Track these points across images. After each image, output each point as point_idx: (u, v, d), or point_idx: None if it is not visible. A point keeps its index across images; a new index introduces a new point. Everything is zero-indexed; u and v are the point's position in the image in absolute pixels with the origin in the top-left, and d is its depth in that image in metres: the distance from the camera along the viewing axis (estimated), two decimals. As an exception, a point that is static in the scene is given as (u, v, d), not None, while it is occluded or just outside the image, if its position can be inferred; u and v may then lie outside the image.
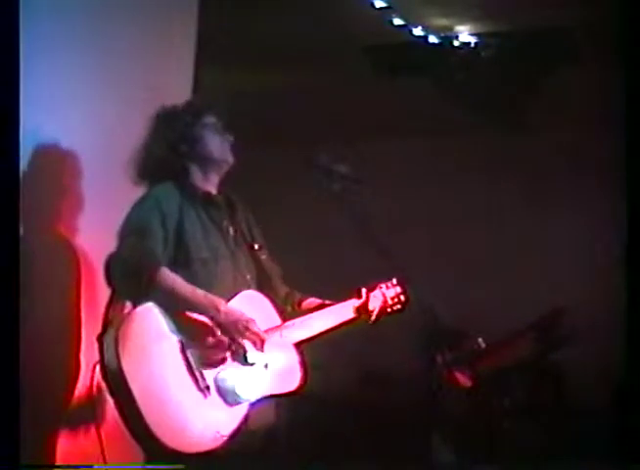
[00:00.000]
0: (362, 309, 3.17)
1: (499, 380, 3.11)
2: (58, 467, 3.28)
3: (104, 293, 3.14)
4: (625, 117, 2.94)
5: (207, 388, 2.83)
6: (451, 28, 5.46)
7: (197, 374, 2.83)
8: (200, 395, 2.81)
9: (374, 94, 5.96)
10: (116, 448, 3.14)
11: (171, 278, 2.92)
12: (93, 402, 3.09)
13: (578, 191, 6.43)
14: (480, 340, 2.94)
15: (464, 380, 3.03)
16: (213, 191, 3.21)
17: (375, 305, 3.17)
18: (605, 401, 5.45)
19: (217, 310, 2.91)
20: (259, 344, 2.93)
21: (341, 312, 3.16)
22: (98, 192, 3.53)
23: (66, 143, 3.42)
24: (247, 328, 2.92)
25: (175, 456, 2.75)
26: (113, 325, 2.85)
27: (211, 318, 2.90)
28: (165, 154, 3.14)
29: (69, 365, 3.34)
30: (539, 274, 6.28)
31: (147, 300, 2.86)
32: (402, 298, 3.19)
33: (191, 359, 2.83)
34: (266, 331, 2.98)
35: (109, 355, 2.76)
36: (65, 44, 3.44)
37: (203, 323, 2.90)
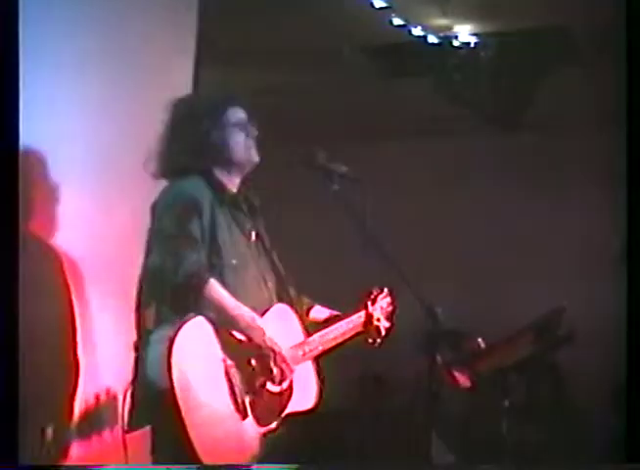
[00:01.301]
0: (369, 323, 3.18)
1: (499, 380, 3.10)
2: (58, 467, 3.27)
3: (93, 293, 3.10)
4: (625, 116, 2.94)
5: (246, 410, 2.77)
6: (451, 28, 5.47)
7: (238, 396, 2.76)
8: (238, 416, 2.76)
9: (374, 94, 5.97)
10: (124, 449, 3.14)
11: (220, 293, 2.80)
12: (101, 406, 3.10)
13: (578, 191, 6.44)
14: (479, 340, 2.93)
15: (464, 380, 3.03)
16: (234, 190, 3.08)
17: (377, 315, 3.20)
18: (605, 401, 5.45)
19: (262, 335, 2.84)
20: (288, 374, 2.90)
21: (352, 326, 3.16)
22: (95, 192, 3.53)
23: (65, 143, 3.42)
24: (283, 360, 2.87)
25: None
26: (159, 337, 2.72)
27: (253, 340, 2.83)
28: (189, 156, 2.99)
29: (67, 366, 3.34)
30: (539, 274, 6.29)
31: (195, 312, 2.75)
32: (390, 308, 3.24)
33: (233, 380, 2.75)
34: (292, 347, 2.96)
35: (157, 368, 2.66)
36: (65, 44, 3.44)
37: (246, 345, 2.83)
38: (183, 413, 2.62)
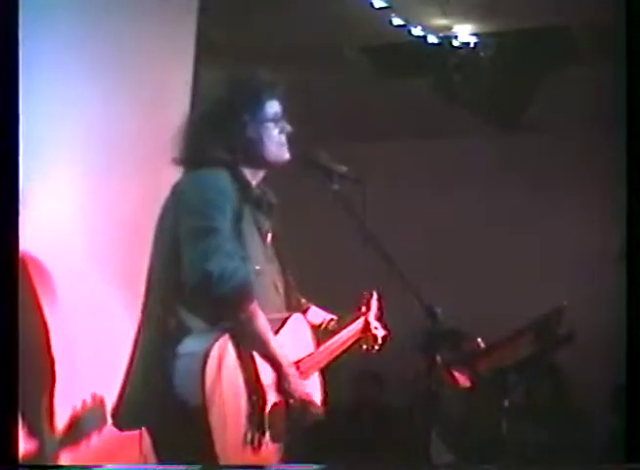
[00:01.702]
0: (367, 330, 3.20)
1: (499, 380, 3.10)
2: (58, 467, 3.27)
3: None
4: (626, 116, 2.94)
5: (263, 433, 2.70)
6: (451, 28, 5.47)
7: (256, 421, 2.68)
8: (256, 433, 2.69)
9: (373, 94, 5.97)
10: (123, 449, 3.13)
11: (259, 314, 2.65)
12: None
13: (578, 191, 6.44)
14: (479, 340, 2.93)
15: (464, 380, 3.02)
16: (257, 187, 2.91)
17: (374, 322, 3.22)
18: (605, 401, 5.46)
19: (286, 373, 2.72)
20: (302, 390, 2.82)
21: (352, 334, 3.15)
22: (92, 192, 3.53)
23: (65, 143, 3.42)
24: (300, 384, 2.78)
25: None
26: (189, 349, 2.60)
27: (276, 373, 2.72)
28: (220, 147, 2.82)
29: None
30: (539, 274, 6.29)
31: (229, 325, 2.62)
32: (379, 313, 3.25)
33: (253, 398, 2.67)
34: (308, 356, 2.92)
35: (188, 383, 2.54)
36: (64, 44, 3.44)
37: (271, 375, 2.73)
38: (213, 431, 2.53)
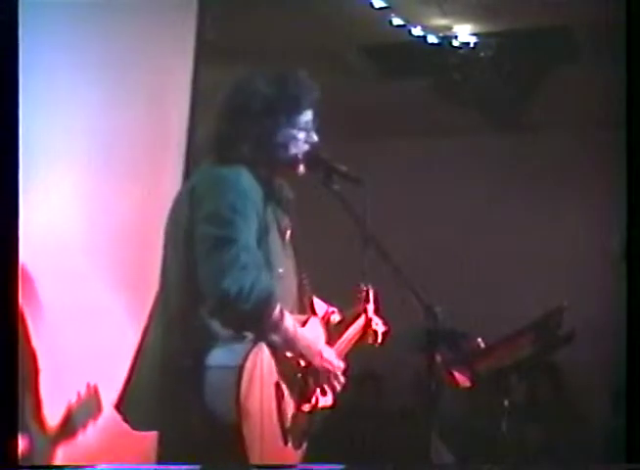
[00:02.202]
0: (368, 327, 3.19)
1: (499, 380, 3.10)
2: (58, 467, 3.27)
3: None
4: (625, 116, 2.94)
5: (289, 433, 2.70)
6: (451, 28, 5.47)
7: (285, 420, 2.68)
8: (281, 440, 2.68)
9: (373, 94, 5.97)
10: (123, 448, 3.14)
11: (285, 319, 2.63)
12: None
13: (578, 190, 6.44)
14: (479, 340, 2.93)
15: (464, 380, 3.02)
16: (276, 185, 2.84)
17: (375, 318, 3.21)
18: (605, 401, 5.46)
19: (320, 357, 2.75)
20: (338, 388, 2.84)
21: (356, 332, 3.14)
22: (92, 192, 3.53)
23: (65, 143, 3.42)
24: (336, 377, 2.81)
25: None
26: (219, 361, 2.56)
27: (309, 363, 2.73)
28: (246, 146, 2.74)
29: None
30: (539, 274, 6.29)
31: (256, 336, 2.59)
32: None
33: (283, 406, 2.67)
34: None
35: (222, 398, 2.51)
36: (64, 44, 3.44)
37: (301, 368, 2.74)
38: (247, 444, 2.52)
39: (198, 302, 2.59)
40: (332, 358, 2.81)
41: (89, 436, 3.26)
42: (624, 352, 2.85)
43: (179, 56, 4.07)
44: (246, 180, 2.67)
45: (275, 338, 2.62)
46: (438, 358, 2.73)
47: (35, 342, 3.17)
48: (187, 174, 3.94)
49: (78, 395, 3.23)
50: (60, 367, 3.23)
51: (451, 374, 2.94)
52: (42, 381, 3.14)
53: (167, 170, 3.97)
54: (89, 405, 3.22)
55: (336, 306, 3.25)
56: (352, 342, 3.12)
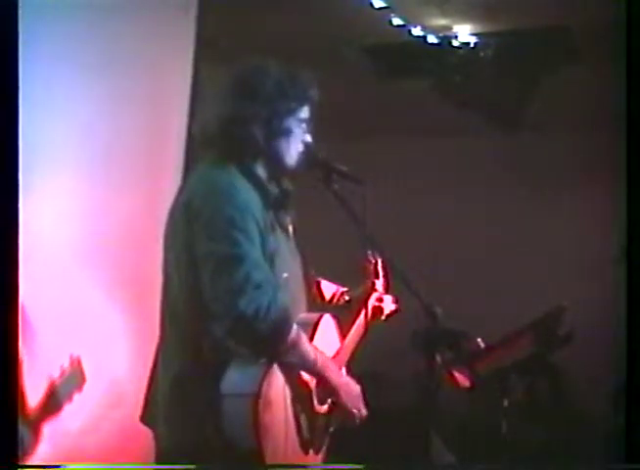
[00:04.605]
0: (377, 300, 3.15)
1: (499, 380, 3.10)
2: (58, 467, 3.27)
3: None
4: (625, 116, 2.94)
5: (309, 444, 2.73)
6: (451, 28, 5.47)
7: (304, 435, 2.70)
8: (301, 451, 2.70)
9: (373, 94, 5.97)
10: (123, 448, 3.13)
11: (300, 338, 2.59)
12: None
13: (578, 191, 6.44)
14: (479, 340, 2.93)
15: (463, 380, 3.02)
16: (273, 186, 2.79)
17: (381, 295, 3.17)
18: (605, 401, 5.45)
19: (337, 376, 2.76)
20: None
21: (360, 324, 3.11)
22: (91, 194, 3.53)
23: (65, 143, 3.42)
24: (357, 399, 2.83)
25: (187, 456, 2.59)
26: (235, 384, 2.53)
27: (326, 381, 2.72)
28: (240, 149, 2.70)
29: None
30: (539, 274, 6.29)
31: (271, 357, 2.56)
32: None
33: (301, 423, 2.67)
34: (337, 353, 2.91)
35: (240, 423, 2.49)
36: (64, 45, 3.44)
37: (319, 387, 2.74)
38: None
39: (208, 321, 2.53)
40: (348, 380, 2.83)
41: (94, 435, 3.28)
42: (624, 352, 2.85)
43: (179, 56, 4.07)
44: (242, 190, 2.61)
45: (292, 358, 2.58)
46: (438, 358, 2.73)
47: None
48: (186, 177, 3.93)
49: (61, 368, 3.20)
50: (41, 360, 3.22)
51: (451, 374, 2.95)
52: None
53: (167, 172, 3.97)
54: (73, 378, 3.20)
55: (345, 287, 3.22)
56: (354, 348, 3.09)
